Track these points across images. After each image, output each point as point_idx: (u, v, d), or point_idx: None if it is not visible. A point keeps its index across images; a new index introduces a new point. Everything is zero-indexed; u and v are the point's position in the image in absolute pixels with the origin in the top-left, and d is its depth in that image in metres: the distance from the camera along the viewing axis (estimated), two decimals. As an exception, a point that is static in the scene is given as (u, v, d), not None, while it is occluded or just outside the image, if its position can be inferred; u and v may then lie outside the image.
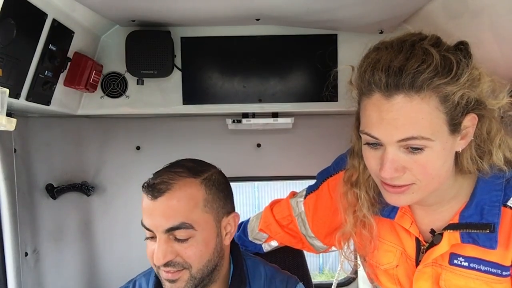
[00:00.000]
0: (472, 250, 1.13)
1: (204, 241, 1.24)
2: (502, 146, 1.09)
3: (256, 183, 9.45)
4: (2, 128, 1.04)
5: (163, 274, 1.25)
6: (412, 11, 1.51)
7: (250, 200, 10.33)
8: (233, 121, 1.94)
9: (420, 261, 1.22)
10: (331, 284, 2.12)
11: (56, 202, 2.01)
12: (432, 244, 1.18)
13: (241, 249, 1.44)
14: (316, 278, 8.82)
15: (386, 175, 1.04)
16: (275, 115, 1.96)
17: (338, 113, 1.94)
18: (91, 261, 2.11)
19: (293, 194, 1.64)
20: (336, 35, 1.85)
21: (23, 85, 1.35)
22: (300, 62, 1.86)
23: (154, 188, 1.22)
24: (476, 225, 1.10)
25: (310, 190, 1.56)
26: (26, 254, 1.83)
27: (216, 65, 1.86)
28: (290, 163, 2.15)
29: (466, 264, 1.14)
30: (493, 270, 1.11)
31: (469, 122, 1.04)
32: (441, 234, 1.16)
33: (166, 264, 1.22)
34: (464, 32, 1.21)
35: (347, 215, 1.30)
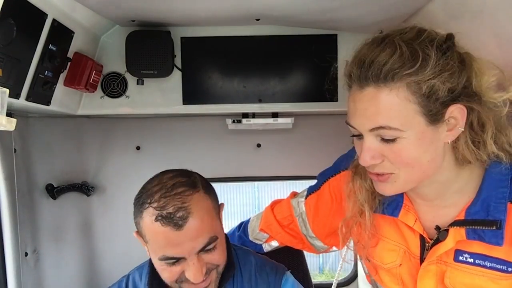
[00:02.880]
0: (477, 247, 1.12)
1: (222, 241, 1.30)
2: (497, 137, 1.09)
3: (256, 183, 9.45)
4: (2, 128, 1.04)
5: (192, 287, 1.27)
6: (412, 11, 1.51)
7: (250, 200, 10.32)
8: (233, 121, 1.94)
9: (424, 258, 1.21)
10: (331, 284, 2.12)
11: (56, 202, 2.01)
12: (437, 241, 1.17)
13: (231, 242, 1.48)
14: (316, 278, 8.81)
15: (363, 163, 1.09)
16: (275, 115, 1.96)
17: (338, 113, 1.94)
18: (91, 261, 2.11)
19: (294, 195, 1.64)
20: (336, 35, 1.85)
21: (23, 85, 1.35)
22: (300, 62, 1.86)
23: (174, 217, 1.18)
24: (482, 221, 1.10)
25: (311, 190, 1.56)
26: (26, 254, 1.83)
27: (216, 65, 1.86)
28: (290, 163, 2.15)
29: (471, 260, 1.13)
30: (498, 266, 1.10)
31: (456, 112, 1.04)
32: (447, 231, 1.15)
33: None
34: (464, 32, 1.20)
35: (349, 202, 1.32)
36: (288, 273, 1.47)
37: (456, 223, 1.14)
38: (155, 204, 1.20)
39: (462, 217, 1.14)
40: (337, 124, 1.96)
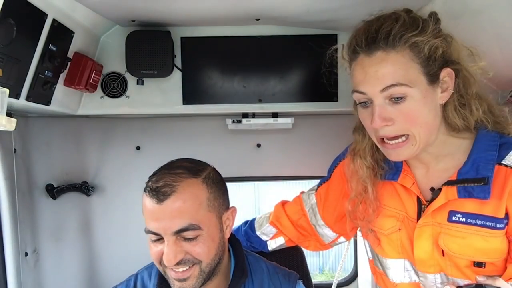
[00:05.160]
0: (469, 206, 1.21)
1: (210, 237, 1.27)
2: (479, 100, 1.23)
3: (256, 183, 9.45)
4: (2, 128, 1.04)
5: (172, 274, 1.26)
6: (412, 11, 1.51)
7: (250, 200, 10.31)
8: (233, 121, 1.95)
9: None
10: (331, 284, 2.12)
11: (56, 202, 2.01)
12: (432, 201, 1.26)
13: (242, 247, 1.46)
14: (316, 278, 8.81)
15: (376, 125, 1.18)
16: (275, 115, 1.96)
17: (338, 113, 1.94)
18: (91, 261, 2.11)
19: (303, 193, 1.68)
20: (336, 35, 1.85)
21: (23, 85, 1.35)
22: (300, 62, 1.86)
23: (159, 191, 1.22)
24: (472, 180, 1.20)
25: (322, 181, 1.62)
26: (26, 254, 1.83)
27: (216, 65, 1.86)
28: (290, 163, 2.15)
29: (463, 219, 1.22)
30: (488, 223, 1.19)
31: (446, 75, 1.19)
32: (440, 190, 1.25)
33: (177, 263, 1.23)
34: (464, 32, 1.21)
35: (352, 182, 1.42)
36: (300, 282, 1.46)
37: (448, 183, 1.24)
38: (153, 179, 1.26)
39: (454, 177, 1.24)
40: (337, 124, 1.96)
